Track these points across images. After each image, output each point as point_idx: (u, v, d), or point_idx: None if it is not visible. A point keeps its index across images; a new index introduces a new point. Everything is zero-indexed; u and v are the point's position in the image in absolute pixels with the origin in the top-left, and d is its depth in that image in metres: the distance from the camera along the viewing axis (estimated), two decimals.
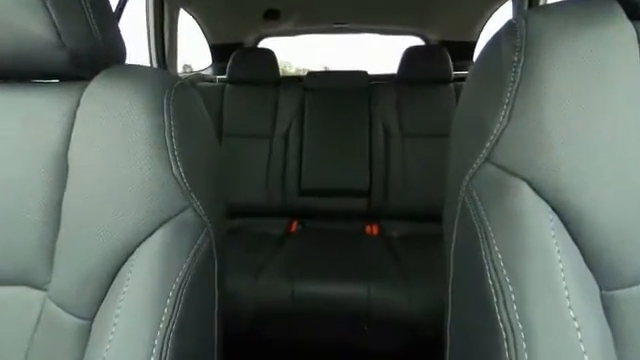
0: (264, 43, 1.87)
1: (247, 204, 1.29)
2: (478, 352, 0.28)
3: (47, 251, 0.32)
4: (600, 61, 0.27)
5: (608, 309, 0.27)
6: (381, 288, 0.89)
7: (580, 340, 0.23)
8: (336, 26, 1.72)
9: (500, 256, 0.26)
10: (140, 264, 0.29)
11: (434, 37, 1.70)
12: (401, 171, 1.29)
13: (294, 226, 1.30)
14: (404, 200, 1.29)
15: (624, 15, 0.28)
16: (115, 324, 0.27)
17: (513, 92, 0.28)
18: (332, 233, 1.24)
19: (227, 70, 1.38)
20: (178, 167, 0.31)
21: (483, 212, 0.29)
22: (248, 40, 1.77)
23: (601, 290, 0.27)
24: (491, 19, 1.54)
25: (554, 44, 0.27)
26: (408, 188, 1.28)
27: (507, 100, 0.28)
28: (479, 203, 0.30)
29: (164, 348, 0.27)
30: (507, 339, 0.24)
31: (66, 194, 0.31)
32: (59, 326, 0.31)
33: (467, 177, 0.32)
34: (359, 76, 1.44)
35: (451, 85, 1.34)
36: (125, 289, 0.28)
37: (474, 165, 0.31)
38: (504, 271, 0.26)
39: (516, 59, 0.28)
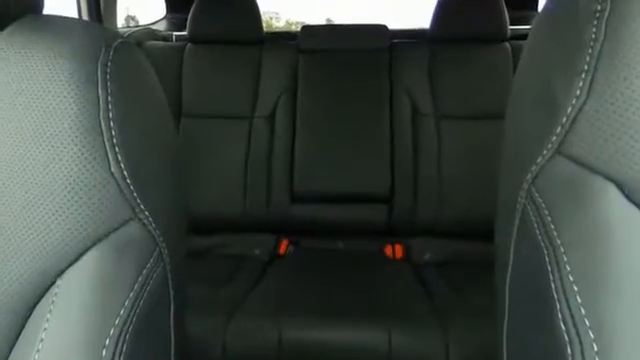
0: None
1: (216, 216, 1.07)
2: None
3: None
4: None
5: None
6: (407, 333, 0.76)
7: None
8: None
9: (576, 289, 0.21)
10: (62, 301, 0.23)
11: None
12: (435, 168, 1.06)
13: (284, 246, 1.08)
14: (439, 210, 1.06)
15: None
16: None
17: (595, 55, 0.22)
18: (337, 256, 1.04)
19: (188, 24, 1.13)
20: (118, 162, 0.25)
21: (552, 226, 0.23)
22: None
23: None
24: None
25: None
26: (445, 192, 1.06)
27: (586, 67, 0.22)
28: (546, 213, 0.24)
29: None
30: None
31: None
32: None
33: (530, 176, 0.25)
34: (376, 32, 1.18)
35: (507, 45, 1.09)
36: (43, 336, 0.23)
37: (539, 158, 0.24)
38: (582, 310, 0.21)
39: (599, 8, 0.22)
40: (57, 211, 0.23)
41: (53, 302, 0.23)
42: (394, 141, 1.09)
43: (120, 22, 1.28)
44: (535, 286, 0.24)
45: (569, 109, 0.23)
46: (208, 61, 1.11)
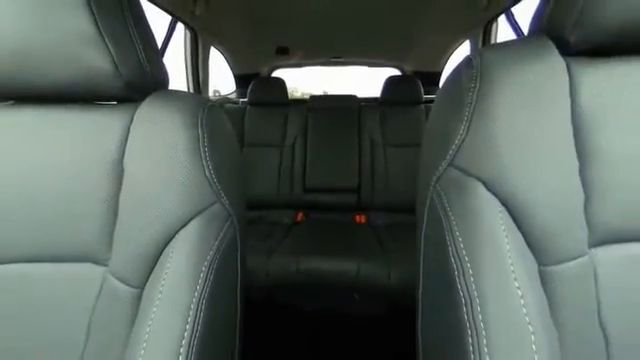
0: (277, 73, 1.99)
1: (263, 199, 1.38)
2: (443, 315, 0.29)
3: (107, 236, 0.34)
4: (538, 87, 0.28)
5: (545, 281, 0.28)
6: (367, 265, 0.93)
7: (523, 305, 0.25)
8: (333, 59, 1.84)
9: (461, 239, 0.28)
10: (179, 246, 0.31)
11: (409, 68, 1.82)
12: (384, 173, 1.38)
13: (300, 217, 1.37)
14: (386, 196, 1.37)
15: (556, 51, 0.30)
16: (161, 292, 0.29)
17: (471, 111, 0.30)
18: (329, 222, 1.31)
19: (247, 94, 1.49)
20: (210, 170, 0.32)
21: (447, 206, 0.30)
22: (264, 70, 1.89)
23: (539, 266, 0.28)
24: (453, 54, 1.67)
25: (502, 74, 0.29)
26: (389, 186, 1.37)
27: (466, 117, 0.30)
28: (444, 199, 0.31)
29: (198, 311, 0.29)
30: (465, 305, 0.25)
31: (122, 193, 0.33)
32: (117, 294, 0.33)
33: (434, 178, 0.33)
34: (350, 99, 1.54)
35: (422, 106, 1.45)
36: (168, 265, 0.30)
37: (440, 168, 0.32)
38: (464, 252, 0.27)
39: (473, 85, 0.30)
40: (175, 198, 0.31)
41: (173, 247, 0.31)
42: (361, 158, 1.41)
43: (210, 93, 1.67)
44: (438, 238, 0.31)
45: (457, 141, 0.30)
46: (258, 115, 1.46)
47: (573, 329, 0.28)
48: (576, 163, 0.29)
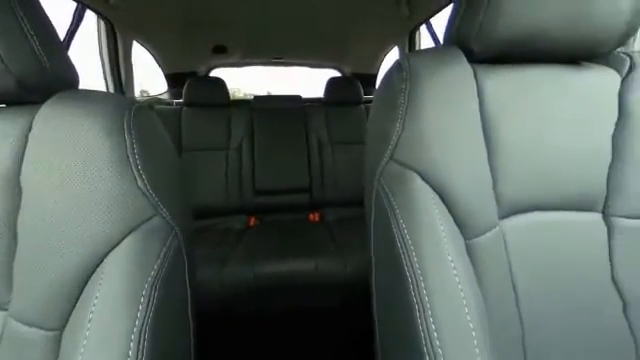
0: (216, 72, 1.87)
1: (210, 206, 1.30)
2: (394, 295, 0.31)
3: (4, 271, 0.28)
4: (454, 89, 0.33)
5: (470, 253, 0.32)
6: (324, 261, 0.95)
7: (455, 275, 0.28)
8: (274, 60, 1.81)
9: (404, 225, 0.30)
10: (110, 271, 0.27)
11: (348, 70, 1.90)
12: (332, 170, 1.42)
13: (253, 221, 1.33)
14: (336, 192, 1.41)
15: (465, 58, 0.35)
16: (88, 329, 0.25)
17: (404, 111, 0.32)
18: (284, 223, 1.30)
19: (183, 95, 1.38)
20: (143, 180, 0.29)
21: (391, 197, 0.32)
22: (200, 70, 1.76)
23: (465, 240, 0.32)
24: (385, 59, 1.79)
25: (427, 77, 0.33)
26: (338, 183, 1.40)
27: (400, 117, 0.32)
28: (387, 190, 0.33)
29: (141, 341, 0.25)
30: (411, 282, 0.28)
31: (20, 216, 0.28)
32: (24, 341, 0.28)
33: (378, 172, 0.35)
34: (295, 99, 1.54)
35: (362, 106, 1.51)
36: (97, 295, 0.25)
37: (382, 164, 0.34)
38: (407, 236, 0.29)
39: (404, 87, 0.33)
40: (99, 215, 0.27)
41: (102, 274, 0.27)
42: (309, 158, 1.42)
43: (136, 93, 1.47)
44: (385, 227, 0.32)
45: (394, 138, 0.33)
46: (197, 117, 1.36)
47: (493, 288, 0.34)
48: (485, 152, 0.34)
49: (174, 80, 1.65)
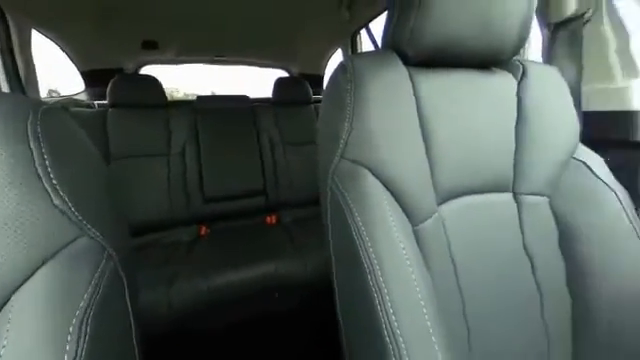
0: (149, 70, 1.69)
1: (152, 219, 1.18)
2: (354, 285, 0.32)
3: None
4: (394, 90, 0.36)
5: (417, 238, 0.35)
6: (284, 263, 0.95)
7: (407, 259, 0.31)
8: (217, 59, 1.70)
9: (359, 218, 0.31)
10: (20, 312, 0.22)
11: (296, 71, 1.90)
12: (287, 171, 1.40)
13: (203, 230, 1.25)
14: (292, 193, 1.39)
15: (400, 62, 0.39)
16: None
17: (351, 110, 0.34)
18: (239, 229, 1.25)
19: (107, 95, 1.22)
20: (60, 196, 0.25)
21: (345, 193, 0.33)
22: (128, 67, 1.56)
23: (412, 227, 0.35)
24: (330, 60, 1.84)
25: (370, 78, 0.35)
26: (293, 183, 1.39)
27: (348, 116, 0.34)
28: (341, 187, 0.34)
29: None
30: (369, 272, 0.30)
31: None
32: None
33: (331, 171, 0.36)
34: (242, 100, 1.49)
35: (312, 106, 1.53)
36: (4, 344, 0.21)
37: (334, 162, 0.35)
38: (362, 228, 0.31)
39: (349, 87, 0.35)
40: (7, 240, 0.22)
41: (10, 313, 0.22)
42: (262, 159, 1.38)
43: (43, 93, 1.22)
44: (341, 223, 0.33)
45: (344, 136, 0.35)
46: (128, 120, 1.21)
47: (437, 267, 0.37)
48: (423, 147, 0.38)
49: (93, 78, 1.44)
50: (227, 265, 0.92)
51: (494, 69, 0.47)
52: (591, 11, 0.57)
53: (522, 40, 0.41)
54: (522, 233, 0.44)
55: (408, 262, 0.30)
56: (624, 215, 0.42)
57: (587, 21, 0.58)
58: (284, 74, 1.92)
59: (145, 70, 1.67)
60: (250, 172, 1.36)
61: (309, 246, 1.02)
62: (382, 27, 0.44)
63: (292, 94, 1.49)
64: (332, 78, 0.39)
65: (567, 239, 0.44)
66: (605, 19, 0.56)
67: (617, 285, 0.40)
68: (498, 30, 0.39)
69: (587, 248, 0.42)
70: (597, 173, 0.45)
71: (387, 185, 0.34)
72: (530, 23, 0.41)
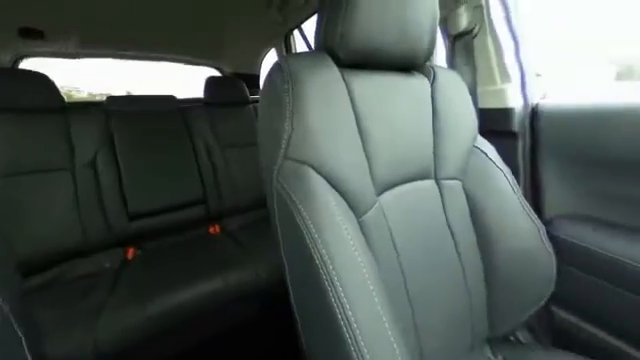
0: (36, 65, 1.32)
1: (60, 248, 0.97)
2: (308, 283, 0.32)
3: None
4: (330, 89, 0.38)
5: (363, 229, 0.37)
6: (234, 274, 0.89)
7: (355, 250, 0.33)
8: (125, 53, 1.45)
9: (306, 215, 0.32)
10: None
11: (229, 69, 1.79)
12: (227, 176, 1.32)
13: (131, 253, 1.09)
14: (236, 198, 1.33)
15: (333, 63, 0.41)
16: None
17: (290, 109, 0.35)
18: (178, 245, 1.12)
19: None
20: None
21: (291, 192, 0.34)
22: (1, 60, 1.21)
23: (357, 219, 0.37)
24: (265, 60, 1.79)
25: (306, 78, 0.36)
26: (236, 189, 1.32)
27: (288, 116, 0.35)
28: (287, 187, 0.34)
29: None
30: (321, 266, 0.31)
31: None
32: None
33: (275, 172, 0.36)
34: (168, 100, 1.34)
35: (250, 106, 1.48)
36: None
37: (278, 163, 0.35)
38: (311, 226, 0.31)
39: (287, 87, 0.35)
40: None
41: None
42: (200, 166, 1.26)
43: None
44: (290, 223, 0.33)
45: (285, 136, 0.35)
46: (10, 128, 0.97)
47: (381, 252, 0.40)
48: (360, 143, 0.40)
49: None
50: (167, 287, 0.82)
51: (413, 72, 0.53)
52: (478, 27, 0.70)
53: (431, 48, 0.48)
54: (445, 213, 0.51)
55: (357, 252, 0.32)
56: (510, 189, 0.54)
57: (475, 35, 0.72)
58: (216, 73, 1.79)
59: (29, 65, 1.30)
60: (186, 180, 1.24)
61: (260, 252, 0.99)
62: (314, 28, 0.46)
63: (227, 94, 1.41)
64: (268, 78, 0.39)
65: (475, 213, 0.53)
66: (488, 34, 0.70)
67: (510, 244, 0.51)
68: (413, 38, 0.45)
69: (488, 218, 0.52)
70: (491, 157, 0.55)
71: (330, 181, 0.35)
72: (435, 34, 0.48)
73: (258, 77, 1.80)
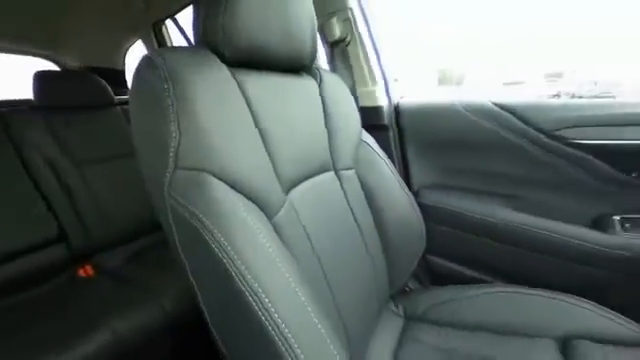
0: None
1: None
2: (226, 298, 0.30)
3: None
4: (219, 88, 0.35)
5: (277, 230, 0.36)
6: (126, 319, 0.72)
7: (272, 252, 0.31)
8: None
9: (214, 227, 0.29)
10: None
11: (74, 62, 1.41)
12: (94, 201, 1.04)
13: None
14: (107, 227, 1.05)
15: (219, 60, 0.38)
16: None
17: (175, 111, 0.31)
18: (37, 299, 0.85)
19: None
20: None
21: (190, 205, 0.30)
22: None
23: (269, 220, 0.36)
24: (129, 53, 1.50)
25: (191, 76, 0.33)
26: (107, 214, 1.05)
27: (173, 118, 0.31)
28: (184, 201, 0.31)
29: None
30: (239, 277, 0.28)
31: None
32: None
33: (166, 185, 0.32)
34: None
35: (118, 108, 1.20)
36: None
37: (168, 175, 0.32)
38: (220, 237, 0.29)
39: (167, 86, 0.31)
40: None
41: None
42: (44, 193, 0.96)
43: None
44: (196, 239, 0.30)
45: (173, 143, 0.31)
46: None
47: (299, 247, 0.40)
48: (261, 142, 0.40)
49: None
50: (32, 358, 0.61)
51: (302, 74, 0.55)
52: (350, 37, 0.82)
53: (314, 51, 0.51)
54: (348, 203, 0.55)
55: (274, 254, 0.31)
56: (390, 172, 0.65)
57: (348, 43, 0.83)
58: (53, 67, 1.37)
59: None
60: (27, 218, 0.91)
61: (159, 280, 0.84)
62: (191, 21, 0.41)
63: (74, 93, 1.08)
64: (139, 75, 0.34)
65: (368, 198, 0.60)
66: (358, 44, 0.82)
67: (394, 215, 0.63)
68: (297, 39, 0.46)
69: (378, 198, 0.61)
70: (373, 147, 0.64)
71: (235, 186, 0.33)
72: (316, 38, 0.52)
73: (123, 73, 1.49)
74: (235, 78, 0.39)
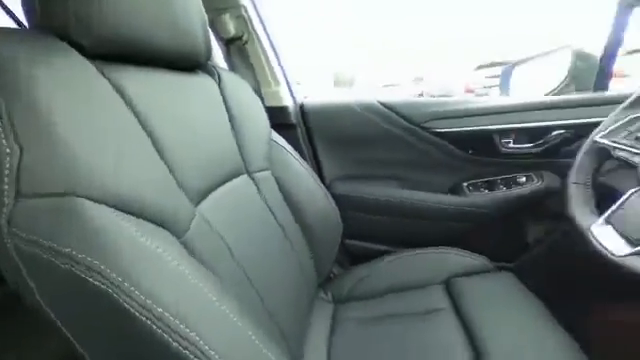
0: None
1: None
2: (134, 348, 0.26)
3: None
4: (81, 86, 0.28)
5: (189, 248, 0.32)
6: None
7: (188, 274, 0.28)
8: None
9: (105, 267, 0.23)
10: None
11: None
12: None
13: None
14: None
15: (76, 52, 0.30)
16: None
17: (10, 122, 0.23)
18: None
19: None
20: None
21: (56, 245, 0.23)
22: None
23: (178, 239, 0.31)
24: None
25: (31, 70, 0.25)
26: None
27: (7, 132, 0.23)
28: (38, 238, 0.23)
29: None
30: (152, 321, 0.24)
31: None
32: None
33: (3, 225, 0.24)
34: None
35: None
36: None
37: (4, 209, 0.23)
38: (113, 275, 0.23)
39: None
40: None
41: None
42: None
43: None
44: (74, 288, 0.23)
45: (8, 165, 0.23)
46: None
47: (219, 263, 0.37)
48: (155, 151, 0.34)
49: None
50: None
51: (197, 72, 0.51)
52: (246, 35, 0.79)
53: (208, 47, 0.47)
54: (265, 201, 0.55)
55: (189, 276, 0.27)
56: (303, 169, 0.68)
57: (246, 42, 0.80)
58: None
59: None
60: None
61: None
62: None
63: None
64: None
65: (286, 196, 0.61)
66: (256, 43, 0.80)
67: (312, 208, 0.65)
68: (187, 33, 0.42)
69: (295, 195, 0.63)
70: (284, 146, 0.66)
71: (123, 208, 0.27)
72: (208, 33, 0.48)
73: None
74: (104, 74, 0.32)
